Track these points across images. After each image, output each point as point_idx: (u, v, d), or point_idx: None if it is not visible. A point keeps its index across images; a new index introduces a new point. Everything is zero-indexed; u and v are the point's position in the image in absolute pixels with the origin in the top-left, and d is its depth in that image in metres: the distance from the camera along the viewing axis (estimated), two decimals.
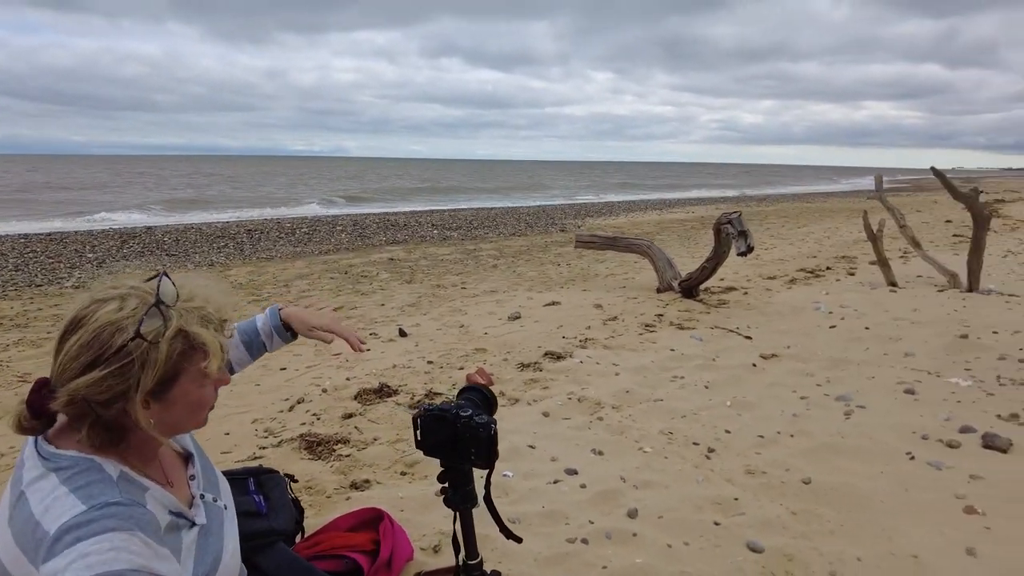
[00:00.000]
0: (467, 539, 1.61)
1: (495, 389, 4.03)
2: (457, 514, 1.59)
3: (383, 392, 4.03)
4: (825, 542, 2.33)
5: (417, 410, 1.54)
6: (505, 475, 2.89)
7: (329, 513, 2.54)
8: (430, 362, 4.76)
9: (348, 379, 4.34)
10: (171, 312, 1.09)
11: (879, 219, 8.29)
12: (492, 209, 24.14)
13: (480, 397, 1.61)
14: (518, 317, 6.12)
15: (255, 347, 1.71)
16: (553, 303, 6.72)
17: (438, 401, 4.03)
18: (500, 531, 1.61)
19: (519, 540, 1.63)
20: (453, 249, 12.21)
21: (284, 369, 4.60)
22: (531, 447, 3.19)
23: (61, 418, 1.12)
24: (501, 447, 3.15)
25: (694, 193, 38.09)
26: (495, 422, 1.48)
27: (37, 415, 1.09)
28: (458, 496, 1.55)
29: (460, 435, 1.46)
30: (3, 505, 1.07)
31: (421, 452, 1.55)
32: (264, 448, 3.24)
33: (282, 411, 3.80)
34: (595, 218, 19.77)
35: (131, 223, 17.60)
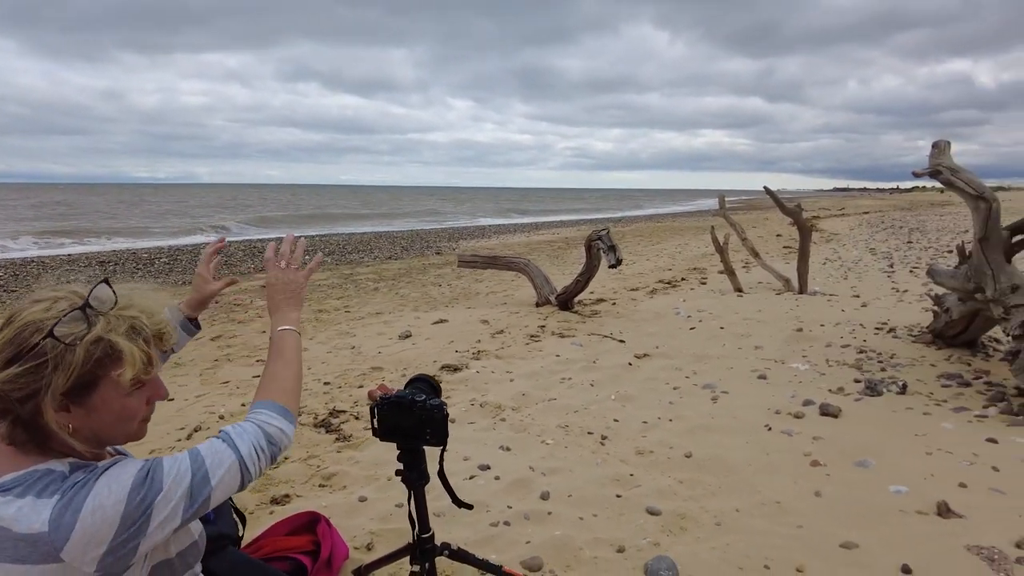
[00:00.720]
0: (420, 514, 1.79)
1: None
2: (411, 492, 1.77)
3: None
4: (709, 501, 2.73)
5: (373, 401, 1.71)
6: None
7: (254, 528, 2.57)
8: (327, 383, 4.78)
9: (243, 404, 4.26)
10: (98, 318, 1.09)
11: (724, 234, 9.36)
12: (364, 234, 23.83)
13: (426, 385, 1.80)
14: (409, 336, 6.25)
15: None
16: (441, 321, 6.91)
17: (338, 420, 4.07)
18: (452, 501, 1.81)
19: (470, 507, 1.85)
20: (329, 274, 12.02)
21: (172, 400, 4.41)
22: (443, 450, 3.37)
23: None
24: None
25: (556, 217, 39.86)
26: (445, 404, 1.69)
27: None
28: (414, 475, 1.73)
29: (417, 417, 1.65)
30: None
31: (377, 439, 1.72)
32: None
33: (180, 440, 3.68)
34: (468, 240, 20.21)
35: None
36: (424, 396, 1.68)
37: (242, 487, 1.22)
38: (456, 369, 4.95)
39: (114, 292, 1.16)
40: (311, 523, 2.33)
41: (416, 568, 1.75)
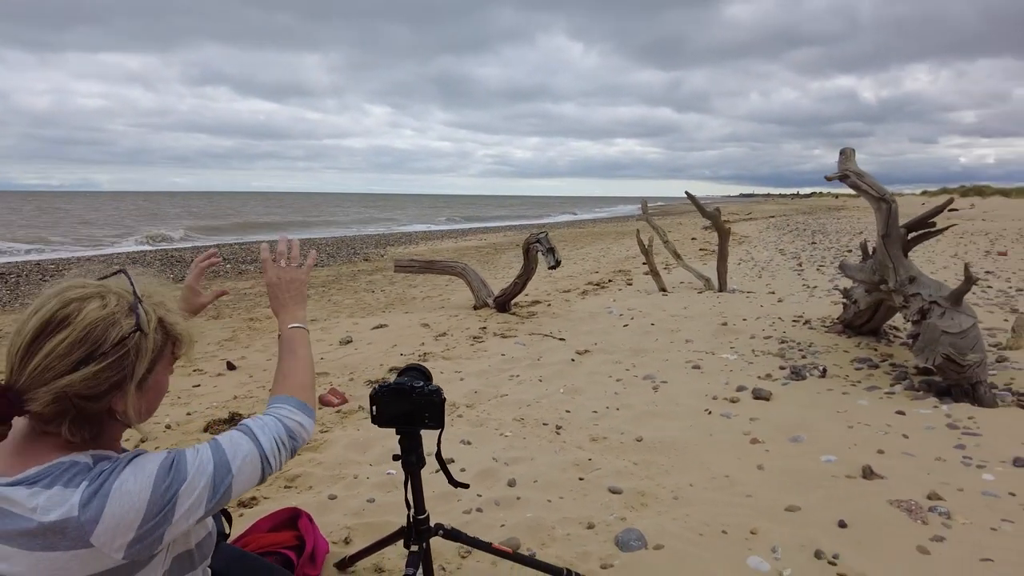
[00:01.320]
0: (416, 497, 1.88)
1: (351, 405, 4.20)
2: (408, 476, 1.85)
3: (235, 420, 3.95)
4: (664, 479, 2.94)
5: (373, 388, 1.78)
6: (389, 473, 3.11)
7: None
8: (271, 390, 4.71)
9: (189, 414, 4.15)
10: (147, 306, 1.17)
11: (648, 237, 9.81)
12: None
13: (419, 374, 1.89)
14: (350, 341, 6.21)
15: None
16: (380, 326, 6.91)
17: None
18: (449, 482, 1.91)
19: (467, 486, 1.95)
20: (254, 282, 11.64)
21: None
22: None
23: (2, 448, 1.14)
24: (378, 454, 3.40)
25: (482, 223, 40.05)
26: (442, 389, 1.79)
27: (6, 420, 1.11)
28: (413, 458, 1.82)
29: (416, 403, 1.74)
30: (7, 555, 1.05)
31: (376, 426, 1.80)
32: None
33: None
34: (395, 247, 20.03)
35: None
36: (422, 383, 1.77)
37: (262, 480, 1.27)
38: None
39: (132, 281, 1.21)
40: (292, 519, 2.36)
41: (415, 548, 1.84)
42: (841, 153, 4.85)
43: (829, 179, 4.78)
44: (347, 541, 2.52)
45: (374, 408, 1.77)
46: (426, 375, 1.90)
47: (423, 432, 1.79)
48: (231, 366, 5.43)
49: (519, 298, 7.92)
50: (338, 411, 4.08)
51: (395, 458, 1.84)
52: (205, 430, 3.84)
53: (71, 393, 1.08)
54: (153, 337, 1.16)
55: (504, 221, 42.47)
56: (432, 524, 1.94)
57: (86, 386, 1.09)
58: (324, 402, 4.27)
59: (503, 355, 5.41)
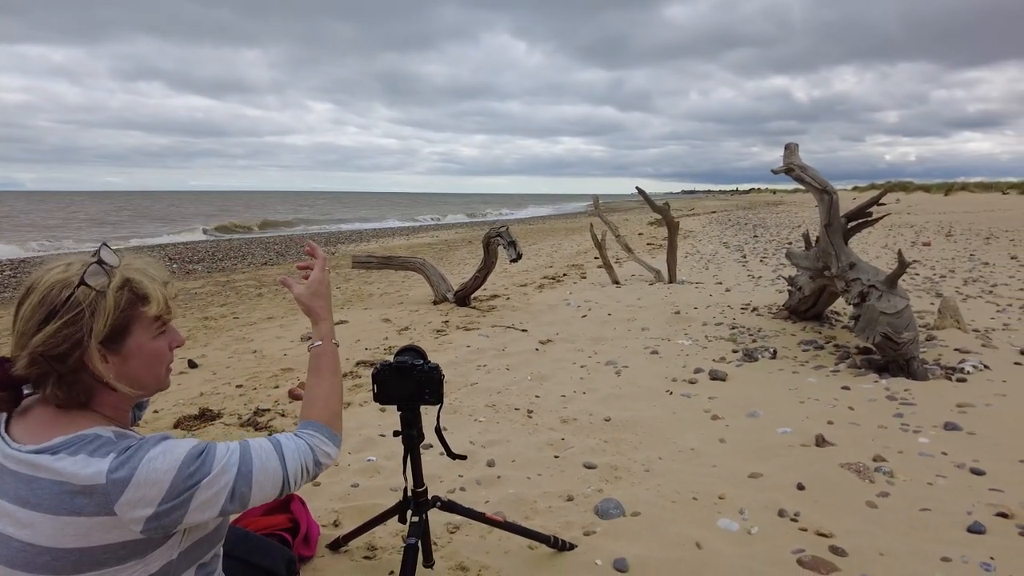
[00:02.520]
0: (415, 470, 1.98)
1: None
2: (408, 451, 1.95)
3: (206, 416, 3.93)
4: (635, 454, 3.12)
5: (374, 368, 1.87)
6: (369, 460, 3.18)
7: None
8: (239, 386, 4.69)
9: (156, 411, 4.11)
10: (114, 271, 1.19)
11: (601, 232, 10.06)
12: (232, 240, 22.54)
13: (416, 354, 1.98)
14: (311, 337, 6.19)
15: None
16: (341, 322, 6.90)
17: (264, 418, 4.05)
18: (447, 454, 2.02)
19: (464, 458, 2.06)
20: (204, 282, 11.38)
21: None
22: (381, 435, 3.51)
23: (30, 420, 1.19)
24: (356, 441, 3.47)
25: (433, 221, 39.84)
26: (440, 366, 1.89)
27: (3, 387, 1.17)
28: (414, 432, 1.92)
29: (417, 380, 1.84)
30: (33, 521, 1.10)
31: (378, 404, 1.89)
32: None
33: None
34: (347, 244, 19.80)
35: None
36: (421, 361, 1.87)
37: (279, 496, 1.30)
38: (373, 365, 5.04)
39: (115, 253, 1.25)
40: (286, 502, 2.42)
41: (416, 519, 1.94)
42: (786, 148, 5.15)
43: (776, 172, 5.08)
44: (336, 524, 2.59)
45: (376, 387, 1.86)
46: (422, 354, 2.00)
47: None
48: (192, 364, 5.35)
49: (477, 293, 8.02)
50: None
51: (395, 434, 1.94)
52: (175, 427, 3.81)
53: (39, 353, 1.12)
54: (113, 296, 1.17)
55: (455, 219, 42.39)
56: (430, 496, 2.04)
57: (49, 345, 1.12)
58: (293, 396, 4.29)
59: (468, 346, 5.52)
